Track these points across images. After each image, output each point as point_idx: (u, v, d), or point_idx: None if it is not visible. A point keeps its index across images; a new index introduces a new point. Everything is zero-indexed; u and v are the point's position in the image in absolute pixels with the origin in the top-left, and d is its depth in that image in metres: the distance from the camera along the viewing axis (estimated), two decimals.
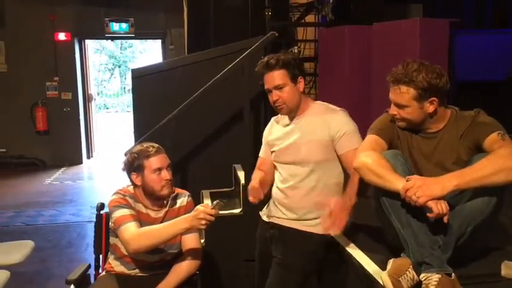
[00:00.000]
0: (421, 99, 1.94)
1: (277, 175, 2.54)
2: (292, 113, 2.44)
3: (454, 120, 2.02)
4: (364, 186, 2.22)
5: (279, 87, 2.35)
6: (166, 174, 2.43)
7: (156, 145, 2.50)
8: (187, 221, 2.23)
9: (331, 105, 2.47)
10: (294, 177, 2.42)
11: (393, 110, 2.03)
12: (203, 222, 2.19)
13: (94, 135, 9.82)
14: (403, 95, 1.96)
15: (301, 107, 2.42)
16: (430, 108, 1.96)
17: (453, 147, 1.99)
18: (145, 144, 2.50)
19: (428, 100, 1.94)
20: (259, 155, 2.67)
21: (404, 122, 2.03)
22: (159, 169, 2.42)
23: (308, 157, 2.37)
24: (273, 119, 2.63)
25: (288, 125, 2.47)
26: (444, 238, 1.87)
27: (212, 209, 2.20)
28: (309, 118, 2.40)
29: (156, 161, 2.43)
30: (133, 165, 2.45)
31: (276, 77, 2.34)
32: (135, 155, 2.45)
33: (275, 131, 2.54)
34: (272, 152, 2.53)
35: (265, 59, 2.38)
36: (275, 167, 2.55)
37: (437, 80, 1.92)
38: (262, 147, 2.64)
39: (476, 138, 1.93)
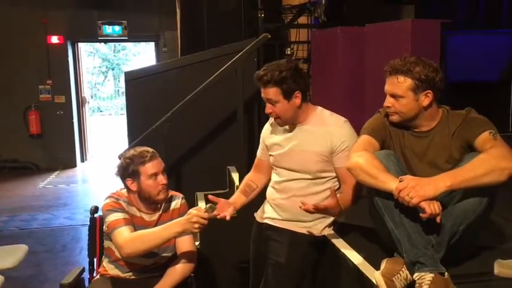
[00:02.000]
0: (417, 90, 1.96)
1: (274, 176, 2.53)
2: (291, 123, 2.39)
3: (446, 119, 2.03)
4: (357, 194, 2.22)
5: (271, 102, 2.32)
6: (162, 179, 2.42)
7: (150, 150, 2.47)
8: (180, 224, 2.22)
9: (334, 115, 2.40)
10: (290, 181, 2.41)
11: (388, 102, 2.03)
12: (196, 226, 2.17)
13: (88, 139, 9.78)
14: (400, 84, 1.97)
15: (301, 116, 2.36)
16: (425, 102, 1.97)
17: (445, 146, 2.00)
18: (139, 149, 2.45)
19: (424, 93, 1.96)
20: (257, 154, 2.64)
21: (398, 115, 2.03)
22: (155, 174, 2.40)
23: (306, 166, 2.35)
24: (271, 119, 2.54)
25: (288, 130, 2.42)
26: (437, 237, 1.88)
27: (205, 212, 2.19)
28: (311, 127, 2.36)
29: (152, 167, 2.40)
30: (128, 170, 2.41)
31: (269, 93, 2.30)
32: (129, 161, 2.41)
33: (274, 134, 2.49)
34: (270, 155, 2.51)
35: (261, 72, 2.30)
36: (273, 169, 2.54)
37: (433, 73, 1.96)
38: (260, 147, 2.61)
39: (467, 137, 1.95)
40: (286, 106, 2.30)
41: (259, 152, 2.62)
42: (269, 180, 2.58)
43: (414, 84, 1.96)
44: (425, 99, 1.97)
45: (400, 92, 1.98)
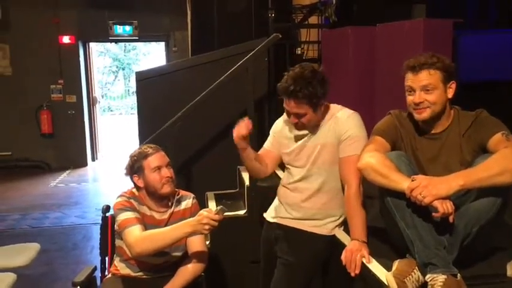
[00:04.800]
0: (445, 81, 1.98)
1: (286, 176, 2.53)
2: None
3: (457, 119, 2.03)
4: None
5: (298, 116, 2.30)
6: (166, 172, 2.45)
7: (153, 145, 2.54)
8: (191, 225, 2.23)
9: (345, 108, 2.40)
10: (301, 179, 2.42)
11: (420, 98, 1.98)
12: (206, 227, 2.18)
13: (99, 138, 9.85)
14: (432, 76, 1.97)
15: None
16: (450, 93, 2.00)
17: (457, 148, 1.99)
18: (142, 146, 2.55)
19: (449, 84, 1.99)
20: (264, 145, 2.61)
21: (429, 109, 1.98)
22: (159, 167, 2.44)
23: (319, 161, 2.35)
24: (285, 115, 2.52)
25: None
26: (450, 238, 1.86)
27: (216, 214, 2.19)
28: (324, 122, 2.36)
29: (154, 160, 2.45)
30: (134, 168, 2.47)
31: (297, 107, 2.27)
32: (135, 158, 2.48)
33: (288, 131, 2.48)
34: (283, 153, 2.51)
35: (290, 85, 2.23)
36: (285, 168, 2.53)
37: (453, 64, 2.00)
38: (269, 139, 2.59)
39: (480, 139, 1.94)
40: (313, 117, 2.31)
41: (267, 143, 2.60)
42: (266, 171, 2.58)
43: (443, 75, 1.98)
44: (450, 90, 2.00)
45: (434, 83, 1.97)
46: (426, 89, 1.99)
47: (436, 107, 1.99)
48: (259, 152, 2.60)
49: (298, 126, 2.38)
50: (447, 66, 1.98)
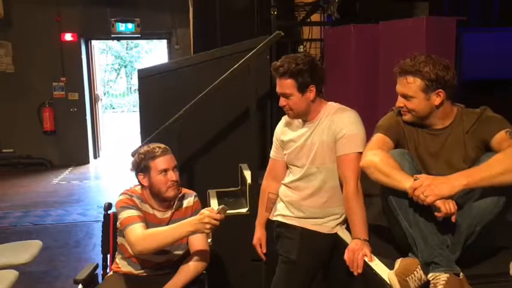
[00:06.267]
0: (427, 90, 1.95)
1: (287, 175, 2.53)
2: (303, 117, 2.40)
3: (460, 117, 2.02)
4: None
5: (285, 95, 2.33)
6: (172, 175, 2.43)
7: (162, 146, 2.50)
8: (192, 224, 2.23)
9: (343, 106, 2.40)
10: (302, 178, 2.42)
11: (400, 102, 2.03)
12: (208, 226, 2.18)
13: (101, 135, 9.86)
14: (410, 85, 1.97)
15: (314, 111, 2.37)
16: (437, 100, 1.96)
17: (460, 144, 1.99)
18: (152, 145, 2.51)
19: (435, 92, 1.96)
20: (271, 155, 2.62)
21: (411, 114, 2.02)
22: (165, 170, 2.43)
23: (318, 159, 2.35)
24: (285, 117, 2.56)
25: (301, 127, 2.43)
26: (452, 238, 1.86)
27: (217, 213, 2.19)
28: (321, 120, 2.37)
29: (162, 162, 2.43)
30: (140, 166, 2.46)
31: (284, 86, 2.31)
32: (142, 156, 2.47)
33: (288, 132, 2.49)
34: (284, 153, 2.51)
35: (278, 62, 2.32)
36: (288, 167, 2.53)
37: (444, 72, 1.94)
38: (273, 146, 2.60)
39: (483, 136, 1.93)
40: (299, 100, 2.32)
41: (273, 152, 2.61)
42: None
43: (424, 84, 1.95)
44: (437, 98, 1.96)
45: (410, 93, 1.98)
46: (404, 96, 2.00)
47: (417, 113, 2.01)
48: (269, 165, 2.63)
49: (288, 112, 2.39)
50: (432, 74, 1.92)
